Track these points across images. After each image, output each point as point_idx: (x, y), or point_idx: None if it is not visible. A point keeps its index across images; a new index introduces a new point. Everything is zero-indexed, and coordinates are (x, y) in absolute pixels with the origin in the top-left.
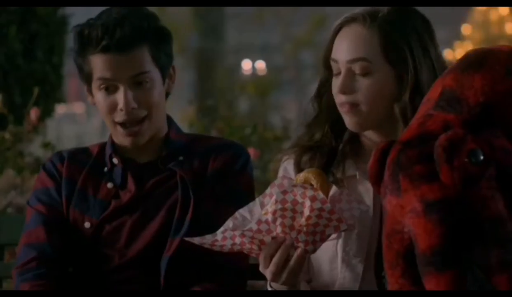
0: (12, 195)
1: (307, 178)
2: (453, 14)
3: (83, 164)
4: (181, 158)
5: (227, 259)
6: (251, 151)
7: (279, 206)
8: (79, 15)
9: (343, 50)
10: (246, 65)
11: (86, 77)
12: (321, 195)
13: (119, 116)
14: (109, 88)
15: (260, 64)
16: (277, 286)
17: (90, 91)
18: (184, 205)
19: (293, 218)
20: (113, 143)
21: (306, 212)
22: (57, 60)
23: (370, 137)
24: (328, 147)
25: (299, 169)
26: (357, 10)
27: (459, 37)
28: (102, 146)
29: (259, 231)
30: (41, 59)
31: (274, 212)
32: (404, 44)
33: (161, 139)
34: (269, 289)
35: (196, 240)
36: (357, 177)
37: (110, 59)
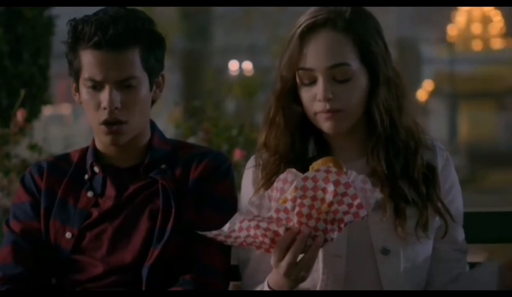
0: None
1: (322, 164)
2: (438, 14)
3: (63, 173)
4: (163, 166)
5: (208, 262)
6: (238, 151)
7: (300, 193)
8: (65, 17)
9: (320, 58)
10: (233, 66)
11: (75, 73)
12: (345, 178)
13: (102, 115)
14: (96, 87)
15: (247, 65)
16: (276, 285)
17: (77, 88)
18: (165, 214)
19: (311, 207)
20: (95, 150)
21: (329, 197)
22: (44, 62)
23: (339, 139)
24: (295, 155)
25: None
26: (313, 12)
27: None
28: (83, 152)
29: (278, 220)
30: (27, 61)
31: (294, 199)
32: (373, 42)
33: (143, 145)
34: (267, 289)
35: (213, 233)
36: None
37: (100, 57)
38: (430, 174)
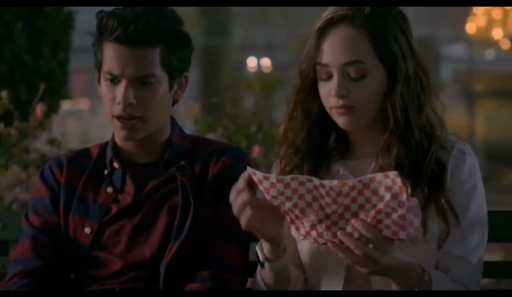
0: (17, 191)
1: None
2: (457, 13)
3: (83, 168)
4: (182, 162)
5: (226, 258)
6: (256, 148)
7: (361, 186)
8: (85, 12)
9: (336, 54)
10: (252, 62)
11: (98, 64)
12: (404, 197)
13: (116, 109)
14: (113, 80)
15: (266, 62)
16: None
17: (99, 79)
18: (184, 210)
19: (361, 206)
20: (114, 145)
21: (381, 205)
22: (63, 57)
23: (359, 134)
24: (312, 148)
25: (281, 168)
26: (334, 9)
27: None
28: (103, 147)
29: (328, 194)
30: (47, 56)
31: (353, 187)
32: (393, 40)
33: (162, 141)
34: (262, 269)
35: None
36: (340, 172)
37: (120, 51)
38: (439, 173)
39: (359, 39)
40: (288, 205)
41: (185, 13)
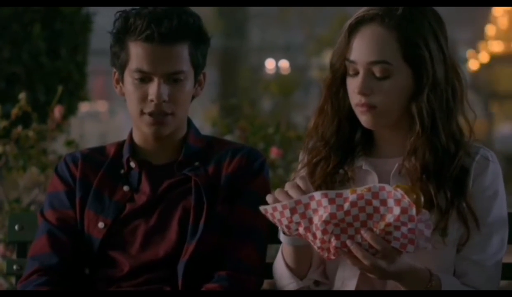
0: (36, 193)
1: (407, 191)
2: (476, 14)
3: (98, 165)
4: (196, 163)
5: (243, 258)
6: (274, 150)
7: (369, 196)
8: (103, 14)
9: (363, 52)
10: (270, 64)
11: (121, 64)
12: (413, 211)
13: (149, 107)
14: (144, 79)
15: (284, 64)
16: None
17: (121, 79)
18: (197, 210)
19: (370, 216)
20: (131, 145)
21: (390, 218)
22: (81, 59)
23: (384, 133)
24: (340, 143)
25: (308, 160)
26: (368, 8)
27: (482, 37)
28: (120, 146)
29: (331, 201)
30: (65, 58)
31: (361, 197)
32: (422, 43)
33: (179, 140)
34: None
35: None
36: (363, 167)
37: (151, 50)
38: (461, 178)
39: (387, 40)
40: (301, 229)
41: (203, 14)
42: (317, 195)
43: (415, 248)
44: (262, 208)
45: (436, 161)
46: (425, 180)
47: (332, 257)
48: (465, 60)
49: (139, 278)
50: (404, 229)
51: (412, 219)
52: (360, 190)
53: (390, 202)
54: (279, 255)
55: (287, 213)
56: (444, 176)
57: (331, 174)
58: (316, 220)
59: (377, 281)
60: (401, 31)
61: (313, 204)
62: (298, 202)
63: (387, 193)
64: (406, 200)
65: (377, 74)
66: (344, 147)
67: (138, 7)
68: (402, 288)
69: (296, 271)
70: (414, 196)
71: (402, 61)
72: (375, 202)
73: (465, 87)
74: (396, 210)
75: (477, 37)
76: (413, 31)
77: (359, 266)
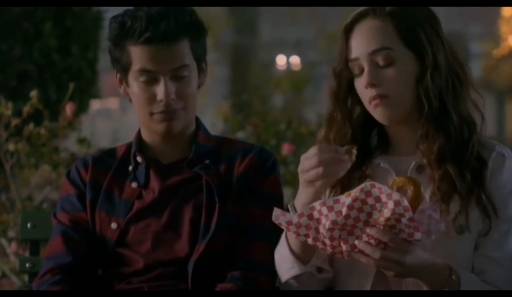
0: (48, 190)
1: (404, 183)
2: (487, 10)
3: (108, 167)
4: (207, 161)
5: (256, 258)
6: (286, 146)
7: (363, 196)
8: (114, 11)
9: (363, 45)
10: (281, 60)
11: (123, 68)
12: (405, 202)
13: (158, 107)
14: (149, 80)
15: (295, 60)
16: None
17: (125, 81)
18: (209, 209)
19: (369, 214)
20: (139, 141)
21: (387, 213)
22: (92, 56)
23: (398, 131)
24: (359, 146)
25: None
26: (359, 9)
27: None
28: (129, 146)
29: (330, 208)
30: (76, 55)
31: (355, 199)
32: (418, 26)
33: (187, 138)
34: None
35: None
36: (381, 165)
37: (152, 51)
38: (479, 169)
39: (383, 28)
40: (309, 241)
41: (214, 12)
42: (317, 204)
43: (425, 235)
44: (275, 219)
45: (451, 144)
46: (443, 163)
47: (347, 258)
48: (477, 56)
49: (150, 274)
50: (404, 220)
51: (407, 209)
52: (353, 192)
53: (383, 198)
54: (282, 239)
55: (292, 228)
56: (461, 160)
57: (349, 172)
58: (321, 229)
59: (393, 280)
60: (396, 18)
61: (315, 214)
62: (300, 215)
63: (378, 189)
64: (395, 192)
65: (381, 63)
66: (359, 151)
67: (131, 8)
68: (422, 287)
69: (301, 257)
70: (412, 187)
71: (402, 45)
72: (370, 200)
73: (469, 75)
74: (390, 204)
75: (488, 33)
76: (408, 17)
77: (375, 265)
